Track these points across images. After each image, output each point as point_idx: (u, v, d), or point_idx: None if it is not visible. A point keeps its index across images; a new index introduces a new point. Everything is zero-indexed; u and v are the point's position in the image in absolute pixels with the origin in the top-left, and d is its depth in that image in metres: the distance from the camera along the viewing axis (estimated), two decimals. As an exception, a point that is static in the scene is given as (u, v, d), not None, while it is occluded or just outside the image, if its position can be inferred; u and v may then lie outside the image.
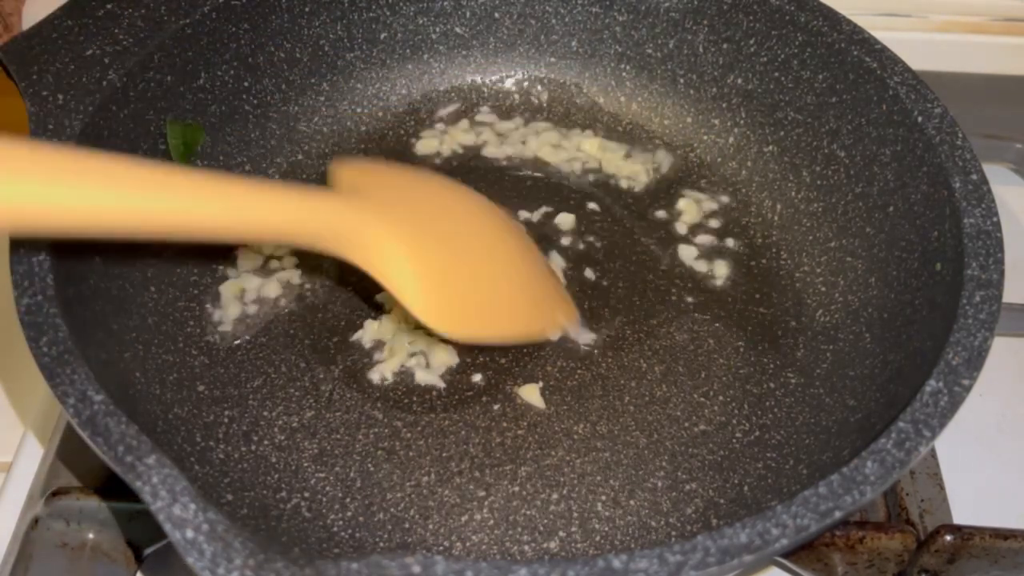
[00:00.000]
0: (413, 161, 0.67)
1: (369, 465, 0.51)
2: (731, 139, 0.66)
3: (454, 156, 0.67)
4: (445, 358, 0.56)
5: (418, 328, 0.57)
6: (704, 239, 0.63)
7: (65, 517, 0.49)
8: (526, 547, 0.49)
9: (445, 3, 0.68)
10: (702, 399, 0.55)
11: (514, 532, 0.49)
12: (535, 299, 0.56)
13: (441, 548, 0.48)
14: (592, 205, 0.64)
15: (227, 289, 0.58)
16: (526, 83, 0.71)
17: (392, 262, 0.49)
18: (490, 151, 0.68)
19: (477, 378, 0.55)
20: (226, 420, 0.53)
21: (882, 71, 0.56)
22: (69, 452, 0.52)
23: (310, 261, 0.60)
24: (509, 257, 0.56)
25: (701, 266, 0.61)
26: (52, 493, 0.49)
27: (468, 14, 0.69)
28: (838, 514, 0.37)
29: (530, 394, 0.54)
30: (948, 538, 0.48)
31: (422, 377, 0.55)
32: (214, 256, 0.59)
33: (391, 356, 0.56)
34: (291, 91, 0.65)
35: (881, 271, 0.56)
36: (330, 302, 0.59)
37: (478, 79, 0.71)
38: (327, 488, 0.50)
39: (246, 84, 0.63)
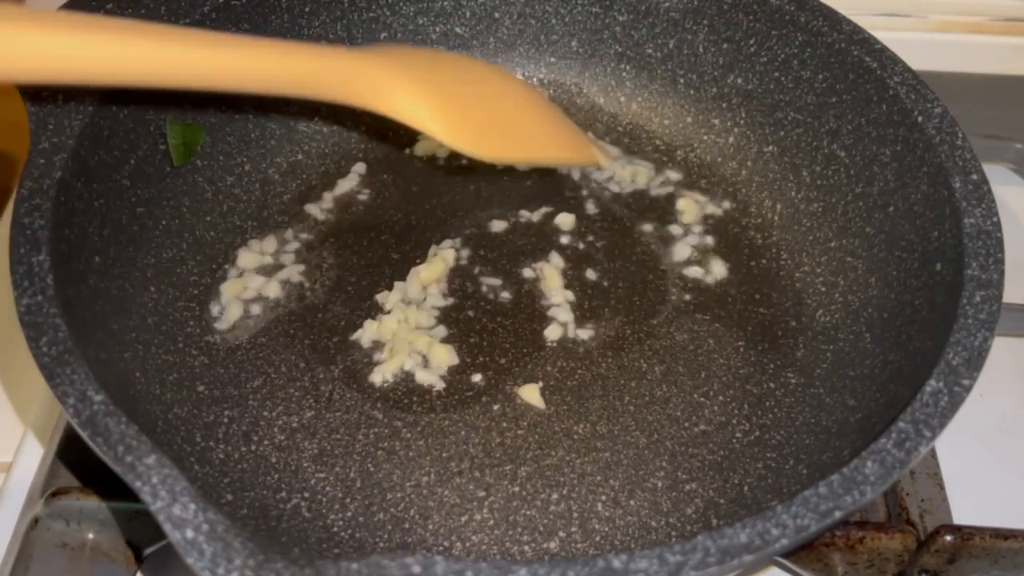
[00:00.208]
0: (413, 161, 0.67)
1: (369, 465, 0.51)
2: (731, 139, 0.66)
3: (454, 156, 0.67)
4: (445, 358, 0.56)
5: (418, 328, 0.57)
6: (704, 239, 0.63)
7: (65, 517, 0.48)
8: (526, 547, 0.49)
9: (445, 3, 0.68)
10: (702, 399, 0.55)
11: (514, 532, 0.49)
12: (560, 130, 0.61)
13: (441, 548, 0.48)
14: (592, 205, 0.64)
15: (227, 289, 0.58)
16: (526, 83, 0.71)
17: (412, 99, 0.51)
18: (490, 151, 0.68)
19: (477, 378, 0.55)
20: (226, 420, 0.53)
21: (882, 71, 0.56)
22: (69, 452, 0.52)
23: (310, 261, 0.60)
24: (529, 95, 0.60)
25: (701, 266, 0.61)
26: (52, 493, 0.49)
27: (468, 14, 0.69)
28: (838, 514, 0.37)
29: (530, 394, 0.54)
30: (948, 538, 0.48)
31: (422, 377, 0.55)
32: (214, 256, 0.59)
33: (391, 356, 0.56)
34: (291, 91, 0.66)
35: (881, 271, 0.56)
36: (330, 302, 0.59)
37: (478, 79, 0.71)
38: (327, 488, 0.50)
39: (246, 84, 0.63)
